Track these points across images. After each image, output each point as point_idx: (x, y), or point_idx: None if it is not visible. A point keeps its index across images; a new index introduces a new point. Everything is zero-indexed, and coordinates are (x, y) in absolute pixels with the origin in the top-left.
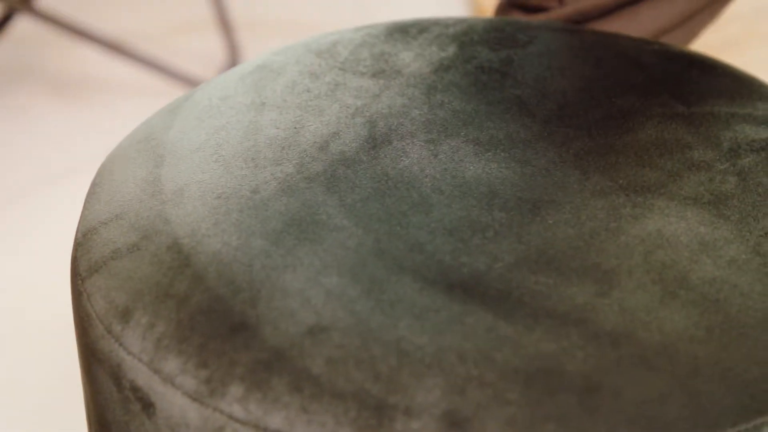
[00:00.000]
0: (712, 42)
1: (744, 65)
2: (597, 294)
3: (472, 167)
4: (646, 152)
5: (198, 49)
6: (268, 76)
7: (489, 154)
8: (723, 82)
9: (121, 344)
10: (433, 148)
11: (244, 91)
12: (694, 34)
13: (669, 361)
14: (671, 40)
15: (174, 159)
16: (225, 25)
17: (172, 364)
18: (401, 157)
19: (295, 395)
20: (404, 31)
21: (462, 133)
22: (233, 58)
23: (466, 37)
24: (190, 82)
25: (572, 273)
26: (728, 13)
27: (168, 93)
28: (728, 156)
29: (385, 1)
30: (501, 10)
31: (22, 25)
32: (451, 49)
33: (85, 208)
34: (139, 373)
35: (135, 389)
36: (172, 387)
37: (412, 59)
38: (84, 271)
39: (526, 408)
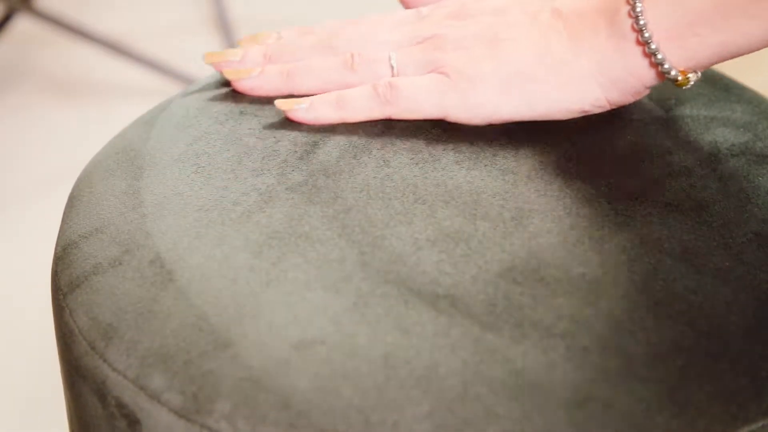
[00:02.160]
0: None
1: (744, 64)
2: (583, 304)
3: (453, 175)
4: (626, 158)
5: (198, 49)
6: None
7: (470, 161)
8: (700, 84)
9: (105, 360)
10: (413, 156)
11: (221, 100)
12: None
13: (657, 372)
14: None
15: (153, 171)
16: (225, 25)
17: (157, 381)
18: (382, 166)
19: (283, 412)
20: None
21: (442, 140)
22: None
23: None
24: (189, 82)
25: (557, 283)
26: None
27: (168, 93)
28: (708, 161)
29: (384, 1)
30: None
31: (22, 25)
32: None
33: (63, 221)
34: (124, 390)
35: (120, 406)
36: (158, 404)
37: None
38: (65, 286)
39: (515, 422)
